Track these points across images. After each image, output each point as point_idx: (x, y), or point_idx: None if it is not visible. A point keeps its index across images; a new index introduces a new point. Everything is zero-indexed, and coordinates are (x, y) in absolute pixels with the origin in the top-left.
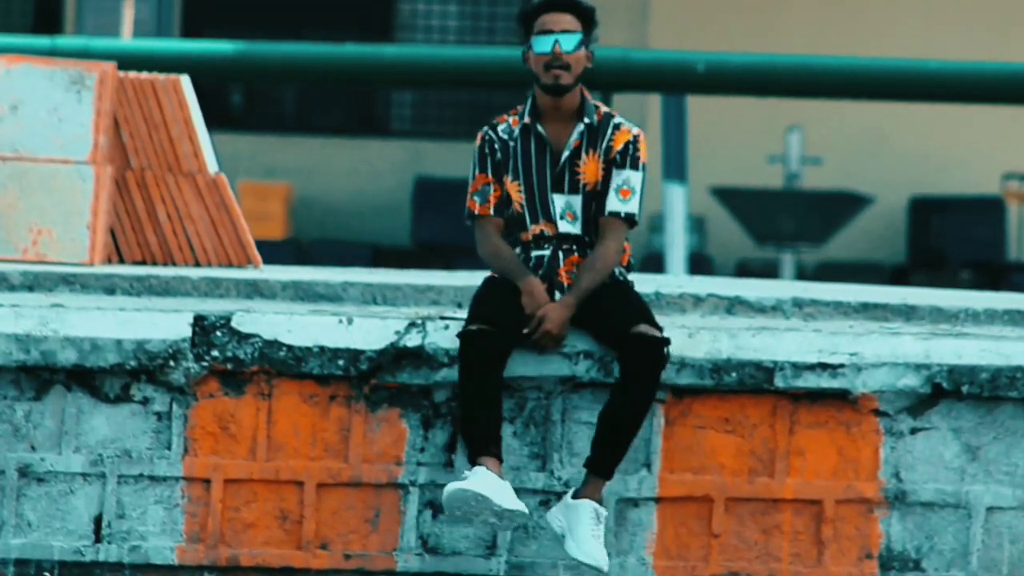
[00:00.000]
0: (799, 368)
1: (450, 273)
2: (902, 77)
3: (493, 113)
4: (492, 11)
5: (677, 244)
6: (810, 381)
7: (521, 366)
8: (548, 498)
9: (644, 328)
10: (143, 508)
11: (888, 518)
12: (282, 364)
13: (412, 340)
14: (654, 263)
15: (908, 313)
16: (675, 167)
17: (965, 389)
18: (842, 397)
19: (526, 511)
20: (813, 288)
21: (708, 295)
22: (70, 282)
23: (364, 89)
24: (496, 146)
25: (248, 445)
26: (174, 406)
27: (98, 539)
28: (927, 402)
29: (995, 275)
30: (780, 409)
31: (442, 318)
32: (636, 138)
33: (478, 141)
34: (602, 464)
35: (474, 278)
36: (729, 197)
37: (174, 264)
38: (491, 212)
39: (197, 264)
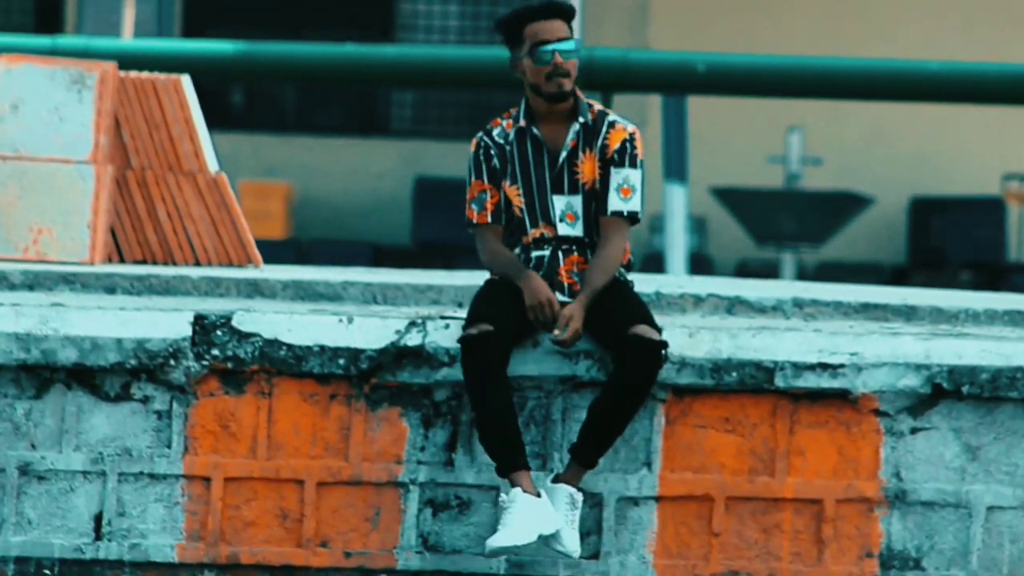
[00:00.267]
0: (799, 368)
1: (450, 273)
2: (902, 78)
3: (493, 113)
4: (492, 11)
5: (677, 244)
6: (810, 381)
7: (521, 365)
8: None
9: (642, 329)
10: (143, 506)
11: (888, 517)
12: (282, 363)
13: (412, 339)
14: (654, 263)
15: (908, 313)
16: (675, 167)
17: (965, 389)
18: (842, 397)
19: (562, 521)
20: (813, 288)
21: (708, 295)
22: (70, 281)
23: (365, 89)
24: (492, 152)
25: (248, 444)
26: (174, 405)
27: (98, 537)
28: (927, 402)
29: (995, 276)
30: (780, 409)
31: (442, 317)
32: (632, 136)
33: (473, 147)
34: (586, 454)
35: (474, 278)
36: (729, 197)
37: (174, 263)
38: (489, 220)
39: (197, 263)
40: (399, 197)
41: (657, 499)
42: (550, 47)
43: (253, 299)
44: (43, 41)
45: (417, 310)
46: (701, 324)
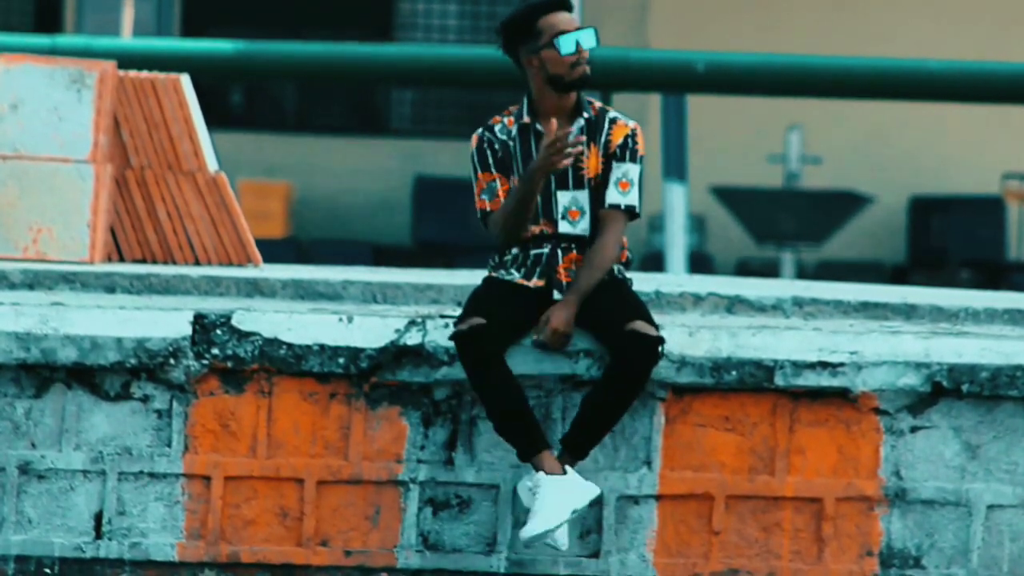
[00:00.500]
0: (799, 367)
1: (450, 272)
2: (902, 77)
3: (493, 112)
4: (492, 10)
5: (677, 243)
6: (810, 380)
7: (521, 364)
8: None
9: (639, 325)
10: (143, 505)
11: (888, 516)
12: (282, 362)
13: (412, 338)
14: (654, 262)
15: (908, 312)
16: (675, 166)
17: (965, 388)
18: (842, 395)
19: (597, 490)
20: (813, 287)
21: (708, 294)
22: (70, 280)
23: (364, 88)
24: (496, 146)
25: (248, 443)
26: (174, 404)
27: (99, 536)
28: (927, 401)
29: (995, 274)
30: (780, 407)
31: (442, 316)
32: (634, 131)
33: (475, 143)
34: (578, 445)
35: (474, 277)
36: (729, 196)
37: (174, 263)
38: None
39: (197, 263)
40: (399, 196)
41: (657, 498)
42: (572, 36)
43: (253, 298)
44: (42, 40)
45: (417, 309)
46: (701, 323)
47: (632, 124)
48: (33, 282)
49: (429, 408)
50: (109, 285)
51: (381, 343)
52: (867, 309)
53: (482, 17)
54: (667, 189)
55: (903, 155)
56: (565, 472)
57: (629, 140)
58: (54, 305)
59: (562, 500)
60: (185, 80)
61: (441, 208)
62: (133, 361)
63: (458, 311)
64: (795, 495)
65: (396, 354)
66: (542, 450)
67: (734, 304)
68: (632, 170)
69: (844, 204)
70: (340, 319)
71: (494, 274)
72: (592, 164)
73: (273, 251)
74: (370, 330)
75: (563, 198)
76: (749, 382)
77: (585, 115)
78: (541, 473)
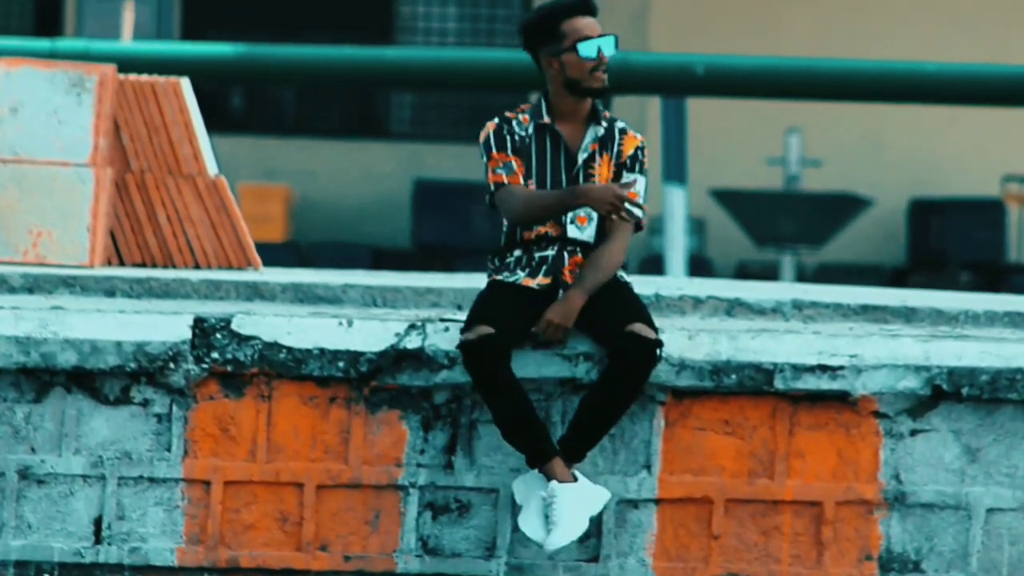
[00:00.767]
0: (799, 370)
1: (450, 275)
2: (902, 79)
3: (493, 115)
4: (492, 13)
5: (677, 246)
6: (810, 383)
7: (521, 368)
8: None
9: (639, 327)
10: (143, 510)
11: (888, 520)
12: (282, 366)
13: (412, 342)
14: (654, 265)
15: (908, 315)
16: (675, 169)
17: (965, 391)
18: (842, 399)
19: (608, 493)
20: (813, 290)
21: (708, 297)
22: (70, 284)
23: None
24: (516, 136)
25: (248, 447)
26: (174, 408)
27: (98, 541)
28: (927, 404)
29: (995, 277)
30: (780, 411)
31: (442, 320)
32: (643, 145)
33: (492, 128)
34: (574, 448)
35: (474, 280)
36: (729, 199)
37: (174, 266)
38: (521, 181)
39: (197, 266)
40: (399, 199)
41: (657, 502)
42: (595, 42)
43: (253, 302)
44: (42, 44)
45: (417, 313)
46: (700, 326)
47: (640, 137)
48: (33, 286)
49: (429, 412)
50: (109, 289)
51: (381, 347)
52: (867, 312)
53: (482, 20)
54: (666, 192)
55: (903, 158)
56: (576, 479)
57: (639, 152)
58: (54, 309)
59: (579, 508)
60: (185, 83)
61: (441, 211)
62: (133, 365)
63: (458, 314)
64: (795, 499)
65: (396, 358)
66: (552, 457)
67: (734, 307)
68: (640, 182)
69: (844, 207)
70: (340, 323)
71: (498, 277)
72: (603, 173)
73: (273, 255)
74: (370, 334)
75: None
76: (749, 385)
77: (604, 124)
78: (554, 482)
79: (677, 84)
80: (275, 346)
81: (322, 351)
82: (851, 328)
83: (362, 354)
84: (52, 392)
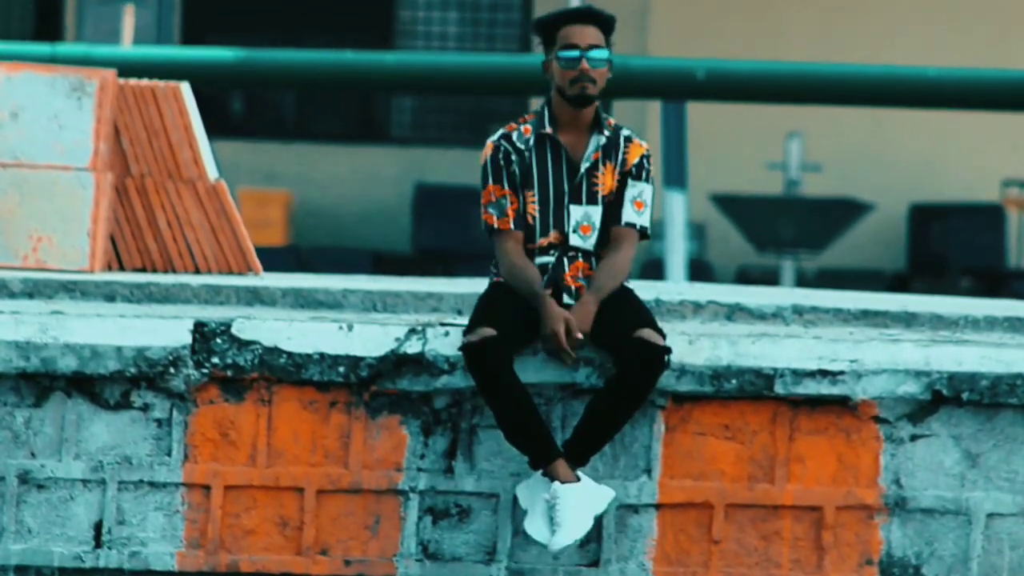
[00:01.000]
0: (799, 375)
1: (450, 280)
2: (902, 84)
3: (493, 120)
4: (492, 17)
5: (677, 251)
6: (810, 388)
7: (521, 373)
8: None
9: (647, 333)
10: (143, 514)
11: (888, 524)
12: (282, 371)
13: (412, 347)
14: (654, 270)
15: (908, 320)
16: (675, 174)
17: (965, 396)
18: (842, 404)
19: (612, 492)
20: (813, 295)
21: (708, 302)
22: (70, 289)
23: (364, 96)
24: (513, 157)
25: (248, 452)
26: (174, 413)
27: (98, 545)
28: (927, 409)
29: (995, 282)
30: (780, 416)
31: (442, 324)
32: (648, 153)
33: (490, 151)
34: (579, 452)
35: (475, 284)
36: (729, 204)
37: (174, 271)
38: (511, 226)
39: (197, 271)
40: (399, 204)
41: (657, 506)
42: (578, 52)
43: (253, 307)
44: (43, 49)
45: (417, 317)
46: (701, 331)
47: (645, 145)
48: (33, 291)
49: (429, 417)
50: (109, 294)
51: (381, 351)
52: (867, 317)
53: (482, 24)
54: (667, 197)
55: (903, 163)
56: (579, 479)
57: (644, 161)
58: (54, 314)
59: (583, 508)
60: (185, 88)
61: (441, 216)
62: (133, 370)
63: (458, 319)
64: (795, 504)
65: (396, 362)
66: (555, 459)
67: (734, 312)
68: (647, 191)
69: (844, 211)
70: (340, 327)
71: (500, 279)
72: (607, 182)
73: (273, 259)
74: (370, 338)
75: (576, 212)
76: (749, 390)
77: (607, 133)
78: (557, 483)
79: (677, 88)
80: (275, 351)
81: (322, 356)
82: (851, 333)
83: (362, 359)
84: (52, 397)
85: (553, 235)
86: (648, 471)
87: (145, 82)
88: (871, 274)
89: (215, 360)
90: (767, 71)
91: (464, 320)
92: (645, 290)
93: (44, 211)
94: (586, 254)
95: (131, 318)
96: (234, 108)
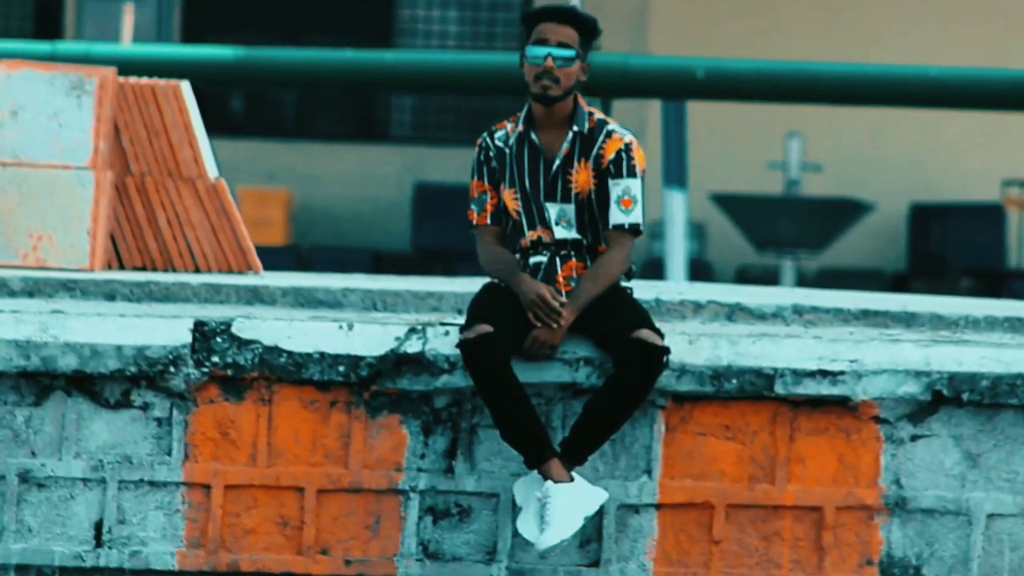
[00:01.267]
0: (799, 375)
1: (450, 279)
2: (902, 84)
3: (493, 119)
4: (492, 16)
5: (677, 250)
6: (810, 388)
7: (522, 373)
8: None
9: (645, 334)
10: (143, 513)
11: (889, 525)
12: (282, 370)
13: (412, 346)
14: (654, 269)
15: (908, 320)
16: (675, 173)
17: (965, 396)
18: (842, 404)
19: (606, 494)
20: (813, 295)
21: (708, 302)
22: (70, 288)
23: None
24: (492, 154)
25: (248, 451)
26: (174, 412)
27: (99, 544)
28: (927, 409)
29: (995, 282)
30: (780, 416)
31: (442, 324)
32: (629, 145)
33: (476, 149)
34: (577, 452)
35: (474, 284)
36: (729, 204)
37: (174, 270)
38: (488, 221)
39: (197, 270)
40: (399, 203)
41: (657, 506)
42: (544, 49)
43: (253, 306)
44: (43, 47)
45: (417, 317)
46: (701, 331)
47: (628, 138)
48: (33, 289)
49: (429, 416)
50: (109, 292)
51: (381, 351)
52: (867, 317)
53: (482, 23)
54: (667, 196)
55: (903, 162)
56: (572, 479)
57: (623, 155)
58: (54, 313)
59: (573, 508)
60: (185, 87)
61: (441, 215)
62: (133, 369)
63: (458, 319)
64: (795, 504)
65: (396, 362)
66: (549, 458)
67: (734, 312)
68: (633, 186)
69: (844, 211)
70: (340, 327)
71: (494, 280)
72: (581, 179)
73: (273, 258)
74: (370, 338)
75: (552, 209)
76: (749, 390)
77: (575, 128)
78: (549, 482)
79: (677, 88)
80: (275, 350)
81: (322, 355)
82: (851, 333)
83: (362, 358)
84: (52, 396)
85: (540, 230)
86: (648, 471)
87: (145, 80)
88: (871, 274)
89: (215, 359)
90: (767, 71)
91: (464, 320)
92: (645, 290)
93: (44, 210)
94: (577, 249)
95: (131, 317)
96: (234, 107)
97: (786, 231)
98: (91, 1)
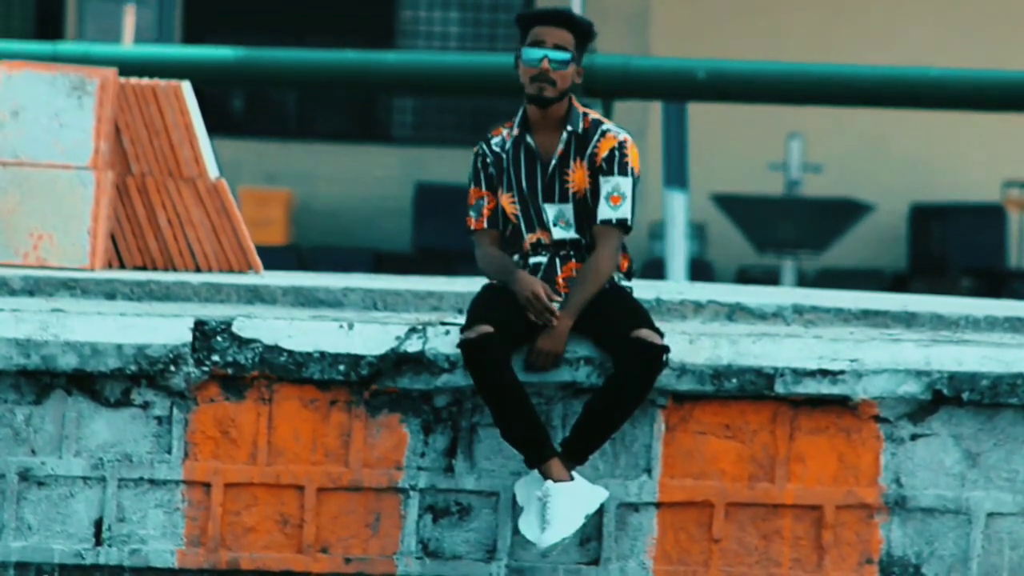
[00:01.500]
0: (799, 374)
1: (451, 279)
2: (903, 85)
3: (494, 120)
4: (493, 18)
5: (678, 251)
6: (810, 387)
7: (522, 372)
8: None
9: (645, 333)
10: (143, 512)
11: (888, 524)
12: (283, 369)
13: (413, 345)
14: (655, 270)
15: (908, 320)
16: (676, 174)
17: (965, 396)
18: (842, 403)
19: (606, 493)
20: (814, 295)
21: (709, 301)
22: (71, 287)
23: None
24: (488, 160)
25: (249, 450)
26: (175, 410)
27: (98, 542)
28: (927, 408)
29: (995, 282)
30: (780, 415)
31: (443, 323)
32: (623, 143)
33: (473, 155)
34: (577, 451)
35: (475, 284)
36: (730, 204)
37: (175, 269)
38: (485, 226)
39: (198, 269)
40: (400, 203)
41: (657, 505)
42: (540, 52)
43: (253, 305)
44: (44, 47)
45: (417, 316)
46: (701, 330)
47: (622, 136)
48: (33, 288)
49: (429, 415)
50: (109, 291)
51: (381, 350)
52: (867, 317)
53: (483, 24)
54: (668, 197)
55: (904, 163)
56: (572, 478)
57: (616, 152)
58: (54, 311)
59: (574, 507)
60: (186, 87)
61: (442, 215)
62: (133, 368)
63: (459, 318)
64: (795, 503)
65: (396, 361)
66: (550, 457)
67: (734, 312)
68: (623, 183)
69: (845, 212)
70: (340, 326)
71: (492, 280)
72: (577, 178)
73: (274, 258)
74: (370, 337)
75: (550, 210)
76: (749, 390)
77: (569, 128)
78: (549, 481)
79: (678, 89)
80: (276, 349)
81: (323, 354)
82: (852, 333)
83: (363, 357)
84: (52, 394)
85: (539, 232)
86: (649, 470)
87: (146, 81)
88: (872, 274)
89: (215, 358)
90: (768, 71)
91: (464, 319)
92: (645, 290)
93: (45, 209)
94: (577, 249)
95: (131, 316)
96: (235, 107)
97: (787, 232)
98: (92, 2)
